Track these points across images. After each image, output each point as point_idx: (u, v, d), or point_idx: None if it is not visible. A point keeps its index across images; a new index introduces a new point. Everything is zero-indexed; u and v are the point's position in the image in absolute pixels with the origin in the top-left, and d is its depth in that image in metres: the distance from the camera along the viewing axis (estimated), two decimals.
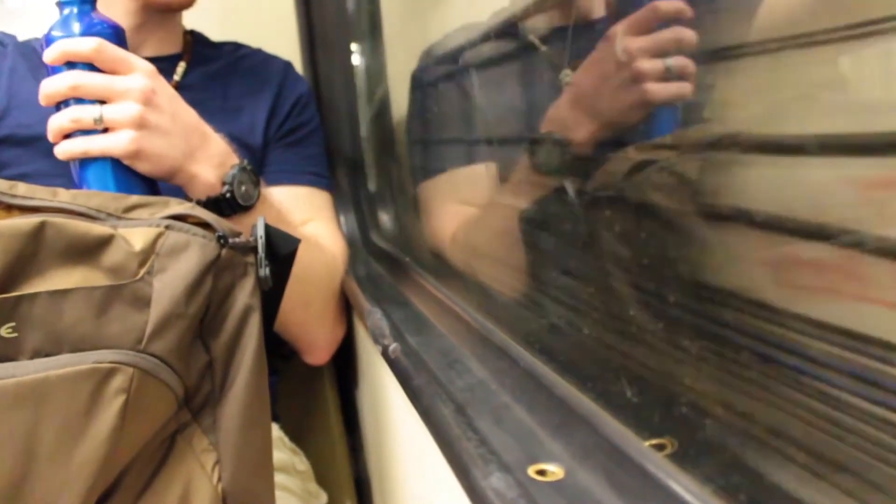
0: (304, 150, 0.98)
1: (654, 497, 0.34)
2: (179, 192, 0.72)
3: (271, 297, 0.62)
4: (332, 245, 0.93)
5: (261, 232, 0.59)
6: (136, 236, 0.55)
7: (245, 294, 0.57)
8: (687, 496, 0.33)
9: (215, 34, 1.03)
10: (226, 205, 0.72)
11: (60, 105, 0.67)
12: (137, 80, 0.67)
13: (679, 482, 0.34)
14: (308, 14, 1.22)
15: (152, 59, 0.72)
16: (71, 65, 0.66)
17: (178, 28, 0.97)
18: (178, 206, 0.59)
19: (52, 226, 0.53)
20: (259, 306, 0.58)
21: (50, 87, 0.66)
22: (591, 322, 0.50)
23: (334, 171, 1.16)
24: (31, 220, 0.53)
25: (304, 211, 0.92)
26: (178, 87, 0.90)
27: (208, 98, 0.75)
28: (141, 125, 0.66)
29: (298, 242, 0.63)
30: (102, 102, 0.66)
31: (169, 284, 0.54)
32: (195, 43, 0.99)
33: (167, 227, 0.56)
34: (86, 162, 0.67)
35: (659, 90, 0.44)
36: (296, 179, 0.95)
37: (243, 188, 0.72)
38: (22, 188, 0.58)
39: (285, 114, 0.96)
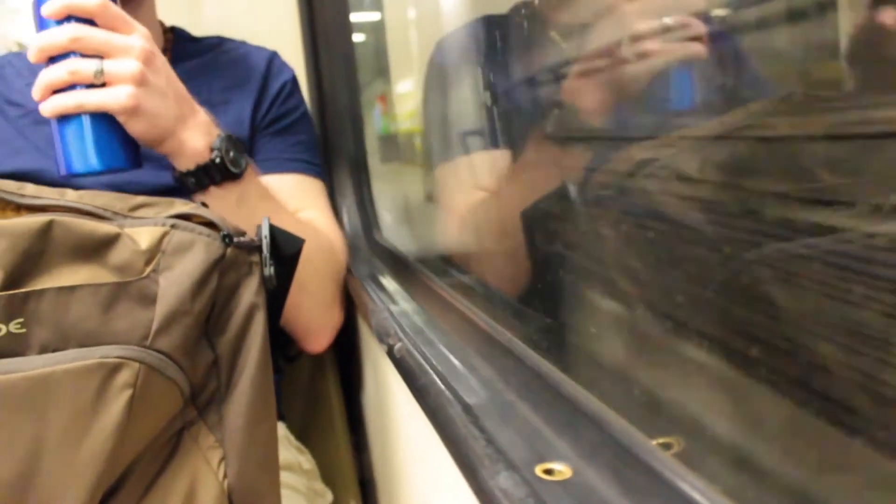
0: (292, 138, 0.96)
1: (662, 496, 0.34)
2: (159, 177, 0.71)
3: (276, 296, 0.63)
4: (329, 232, 0.91)
5: (265, 232, 0.60)
6: (143, 235, 0.56)
7: (250, 292, 0.58)
8: (695, 495, 0.33)
9: (217, 34, 1.03)
10: (216, 171, 0.72)
11: (50, 62, 0.65)
12: (137, 39, 0.67)
13: (687, 481, 0.34)
14: (310, 13, 1.22)
15: None
16: (61, 23, 0.65)
17: (154, 24, 0.95)
18: (183, 206, 0.59)
19: (59, 224, 0.54)
20: (264, 305, 0.59)
21: (47, 40, 0.64)
22: None
23: (337, 171, 1.16)
24: (39, 219, 0.53)
25: (296, 199, 0.91)
26: None
27: (192, 93, 0.75)
28: (141, 82, 0.66)
29: (303, 243, 0.64)
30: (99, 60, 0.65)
31: (175, 282, 0.54)
32: (176, 39, 0.98)
33: (173, 227, 0.56)
34: (69, 120, 0.65)
35: (662, 50, 0.43)
36: (285, 167, 0.93)
37: (231, 154, 0.73)
38: (30, 188, 0.59)
39: (270, 101, 0.95)
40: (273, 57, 1.00)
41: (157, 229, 0.56)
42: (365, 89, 1.24)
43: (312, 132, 1.00)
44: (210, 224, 0.58)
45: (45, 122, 0.69)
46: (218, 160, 0.72)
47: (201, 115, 0.73)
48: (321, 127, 1.21)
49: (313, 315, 0.88)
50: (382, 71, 1.30)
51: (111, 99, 0.65)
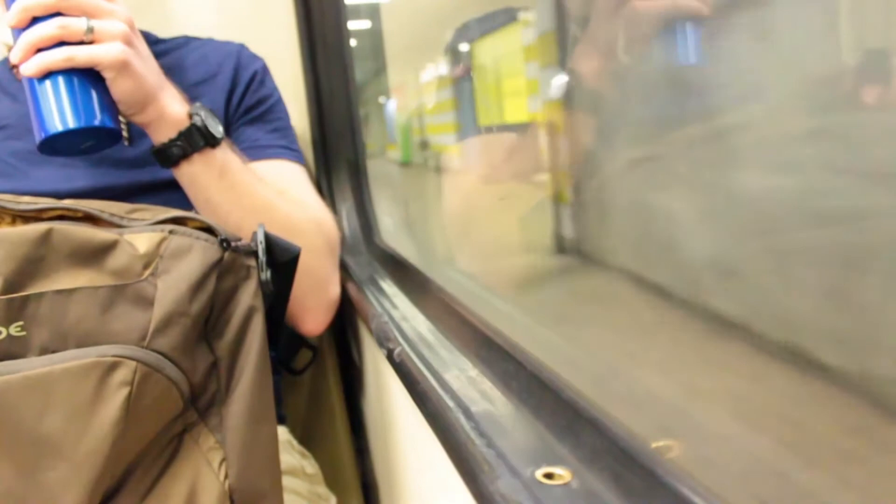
0: (268, 125, 0.95)
1: (662, 499, 0.34)
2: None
3: (276, 304, 0.63)
4: (316, 210, 0.89)
5: (261, 237, 0.61)
6: (141, 240, 0.57)
7: (248, 296, 0.59)
8: (695, 498, 0.33)
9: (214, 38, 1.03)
10: (198, 135, 0.72)
11: (30, 24, 0.64)
12: (121, 6, 0.68)
13: (687, 484, 0.33)
14: (307, 17, 1.22)
15: None
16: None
17: None
18: (178, 211, 0.61)
19: (58, 232, 0.55)
20: (262, 307, 0.60)
21: (33, 0, 0.64)
22: None
23: (335, 174, 1.16)
24: (38, 227, 0.55)
25: (279, 184, 0.89)
26: None
27: None
28: (128, 42, 0.67)
29: (299, 250, 0.64)
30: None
31: (172, 285, 0.55)
32: (147, 43, 0.98)
33: (171, 232, 0.58)
34: (51, 78, 0.64)
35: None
36: (265, 154, 0.92)
37: (210, 120, 0.73)
38: (26, 198, 0.60)
39: (243, 90, 0.94)
40: (241, 49, 0.99)
41: (155, 235, 0.57)
42: (375, 79, 1.21)
43: (288, 118, 0.99)
44: (207, 230, 0.59)
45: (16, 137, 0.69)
46: (199, 123, 0.72)
47: (174, 88, 0.75)
48: (319, 131, 1.21)
49: (308, 290, 0.84)
50: (395, 58, 1.22)
51: (103, 52, 0.65)
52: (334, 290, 0.90)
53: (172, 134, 0.72)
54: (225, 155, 0.75)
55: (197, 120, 0.72)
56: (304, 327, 0.89)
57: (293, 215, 0.81)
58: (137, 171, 0.78)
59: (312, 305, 0.87)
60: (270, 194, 0.79)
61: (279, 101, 0.98)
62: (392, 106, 1.32)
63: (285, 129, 0.97)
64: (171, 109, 0.72)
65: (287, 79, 1.12)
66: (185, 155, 0.73)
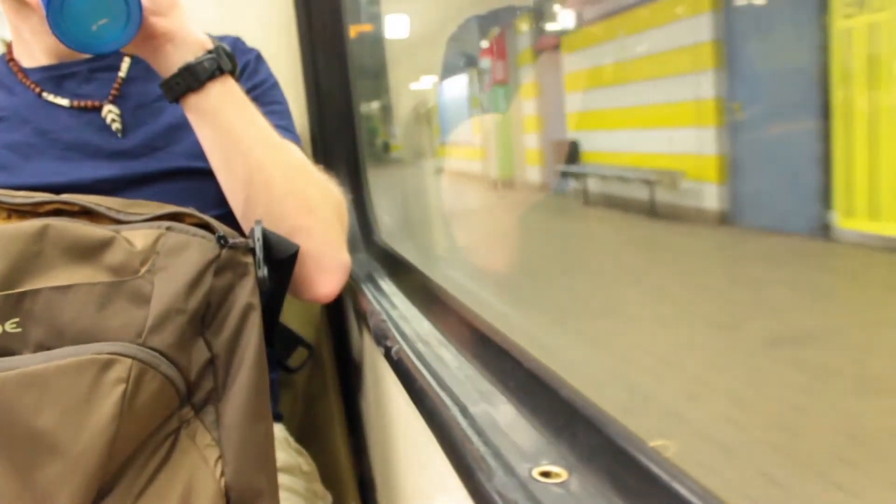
0: (264, 107, 0.90)
1: (657, 498, 0.34)
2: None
3: (272, 301, 0.63)
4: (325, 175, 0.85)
5: (258, 234, 0.61)
6: (138, 237, 0.57)
7: (245, 293, 0.59)
8: (691, 497, 0.33)
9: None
10: (225, 56, 0.69)
11: None
12: None
13: (683, 483, 0.33)
14: (308, 15, 1.22)
15: (96, 58, 0.72)
16: None
17: None
18: (175, 207, 0.60)
19: (55, 228, 0.55)
20: (259, 305, 0.60)
21: None
22: None
23: (334, 173, 1.16)
24: (34, 223, 0.55)
25: None
26: (125, 81, 0.84)
27: (157, 87, 0.74)
28: None
29: (297, 248, 0.64)
30: None
31: (169, 281, 0.55)
32: None
33: (168, 229, 0.57)
34: None
35: None
36: None
37: (224, 50, 0.70)
38: (21, 193, 0.59)
39: (237, 77, 0.93)
40: (235, 41, 0.97)
41: (152, 231, 0.57)
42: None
43: (286, 103, 0.95)
44: (205, 226, 0.59)
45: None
46: (223, 48, 0.69)
47: None
48: (319, 129, 1.21)
49: (324, 243, 0.78)
50: None
51: None
52: (346, 254, 0.84)
53: (199, 52, 0.68)
54: (243, 90, 0.72)
55: (218, 45, 0.69)
56: (319, 290, 0.80)
57: (306, 169, 0.77)
58: (132, 162, 0.77)
59: (329, 265, 0.79)
60: (283, 143, 0.76)
61: (275, 85, 0.95)
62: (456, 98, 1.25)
63: (283, 112, 0.94)
64: (192, 28, 0.68)
65: (286, 77, 1.11)
66: (214, 75, 0.68)
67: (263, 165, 0.69)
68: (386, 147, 5.13)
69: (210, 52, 0.68)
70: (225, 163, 0.71)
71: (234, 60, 0.70)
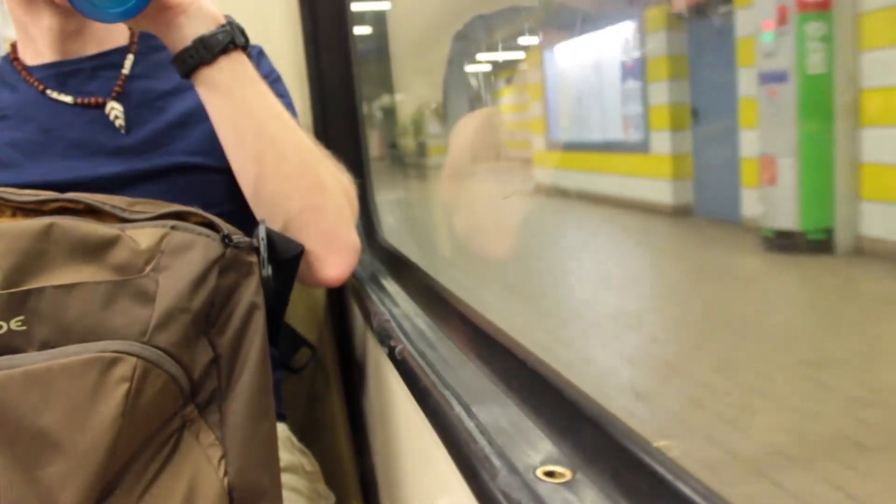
0: None
1: (662, 498, 0.34)
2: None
3: (276, 302, 0.63)
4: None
5: (262, 234, 0.61)
6: (142, 236, 0.57)
7: (250, 292, 0.59)
8: (696, 498, 0.33)
9: None
10: (238, 31, 0.68)
11: None
12: None
13: (687, 484, 0.33)
14: (312, 15, 1.22)
15: (99, 55, 0.72)
16: None
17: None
18: (180, 206, 0.60)
19: (59, 226, 0.55)
20: (263, 305, 0.60)
21: None
22: None
23: None
24: (39, 221, 0.55)
25: None
26: (128, 79, 0.84)
27: (160, 84, 0.74)
28: None
29: (302, 248, 0.64)
30: None
31: (173, 280, 0.55)
32: (141, 34, 0.97)
33: (173, 227, 0.57)
34: None
35: None
36: None
37: (237, 25, 0.70)
38: (27, 191, 0.60)
39: (248, 55, 0.92)
40: None
41: (157, 230, 0.57)
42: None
43: (290, 97, 0.94)
44: (209, 225, 0.59)
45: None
46: (236, 24, 0.69)
47: None
48: (322, 129, 1.21)
49: (336, 223, 0.76)
50: None
51: None
52: (356, 236, 0.82)
53: (212, 26, 0.67)
54: (248, 63, 0.71)
55: (230, 20, 0.68)
56: (329, 272, 0.77)
57: (315, 151, 0.77)
58: (136, 159, 0.77)
59: (341, 245, 0.77)
60: (296, 127, 0.75)
61: (278, 79, 0.95)
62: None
63: (287, 106, 0.93)
64: (207, 3, 0.67)
65: (290, 74, 1.11)
66: (227, 49, 0.67)
67: (276, 140, 0.69)
68: (421, 150, 3.76)
69: (223, 25, 0.67)
70: (236, 137, 0.70)
71: (246, 36, 0.69)
